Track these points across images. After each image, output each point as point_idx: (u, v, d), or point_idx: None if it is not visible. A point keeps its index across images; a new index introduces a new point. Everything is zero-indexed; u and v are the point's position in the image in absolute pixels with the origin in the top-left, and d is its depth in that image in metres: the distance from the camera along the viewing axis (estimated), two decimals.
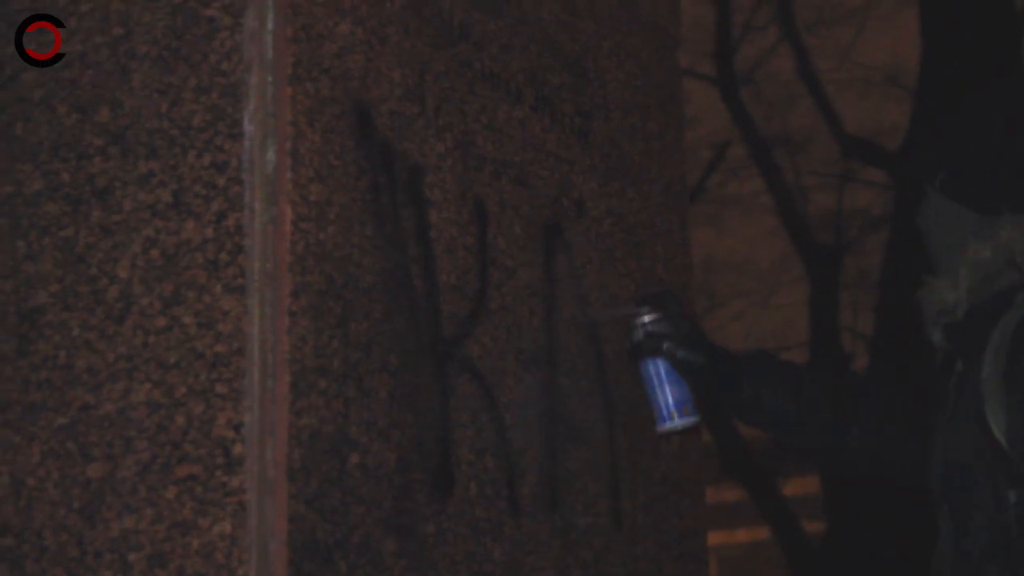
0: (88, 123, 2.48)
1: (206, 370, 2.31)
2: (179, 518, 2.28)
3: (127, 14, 2.49)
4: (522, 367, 2.80)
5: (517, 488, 2.73)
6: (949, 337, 2.00)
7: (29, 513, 2.37)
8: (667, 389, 2.25)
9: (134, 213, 2.42)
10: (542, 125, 2.99)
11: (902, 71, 10.88)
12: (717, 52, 11.00)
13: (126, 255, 2.40)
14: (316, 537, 2.29)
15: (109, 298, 2.40)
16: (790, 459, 13.27)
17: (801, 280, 11.04)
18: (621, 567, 2.97)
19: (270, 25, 2.40)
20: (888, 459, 2.22)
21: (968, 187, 1.99)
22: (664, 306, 2.28)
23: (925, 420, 2.11)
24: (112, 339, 2.38)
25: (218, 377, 2.31)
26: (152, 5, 2.47)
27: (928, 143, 2.10)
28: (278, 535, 2.24)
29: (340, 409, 2.37)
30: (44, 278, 2.45)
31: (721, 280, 12.94)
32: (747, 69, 11.61)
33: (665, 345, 2.24)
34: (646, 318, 2.26)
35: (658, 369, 2.26)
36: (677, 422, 2.25)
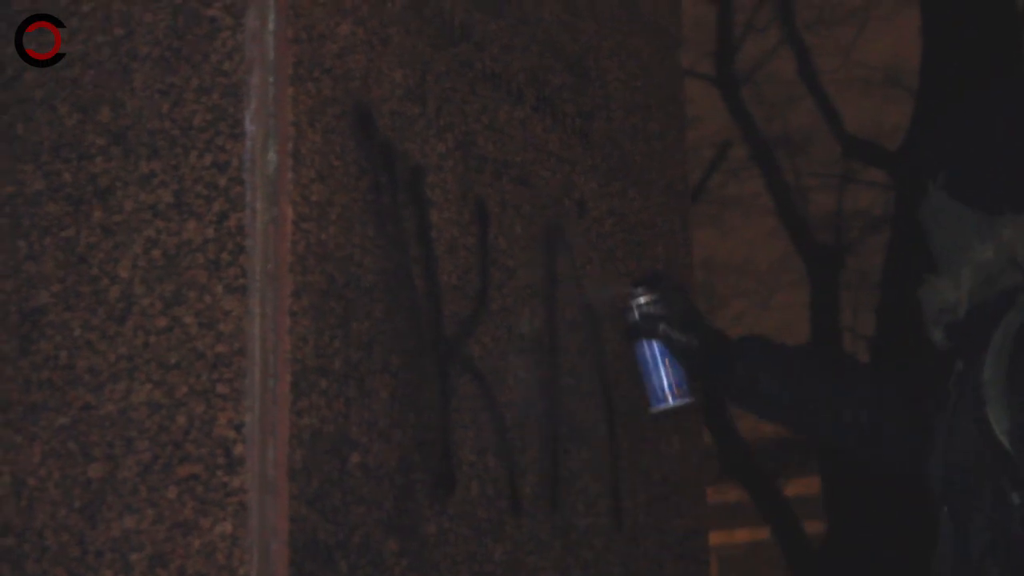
0: (89, 123, 2.48)
1: (207, 370, 2.32)
2: (180, 518, 2.28)
3: (128, 14, 2.49)
4: (523, 367, 2.80)
5: (518, 488, 2.73)
6: (950, 336, 2.00)
7: (30, 513, 2.37)
8: (662, 370, 2.25)
9: (135, 213, 2.42)
10: (543, 125, 2.99)
11: (903, 71, 10.89)
12: (718, 52, 11.01)
13: (127, 255, 2.41)
14: (317, 537, 2.29)
15: (110, 298, 2.40)
16: (791, 460, 13.28)
17: (801, 281, 11.04)
18: (622, 567, 2.98)
19: (271, 25, 2.40)
20: (886, 443, 2.22)
21: (969, 187, 1.98)
22: (660, 287, 2.28)
23: (923, 410, 2.11)
24: (113, 339, 2.38)
25: (219, 377, 2.31)
26: (153, 5, 2.47)
27: (929, 143, 2.10)
28: (279, 535, 2.24)
29: (341, 409, 2.37)
30: (45, 278, 2.45)
31: (721, 281, 12.95)
32: (748, 69, 11.62)
33: (660, 327, 2.24)
34: (642, 299, 2.26)
35: (653, 350, 2.25)
36: (671, 403, 2.24)
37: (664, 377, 2.25)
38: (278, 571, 2.23)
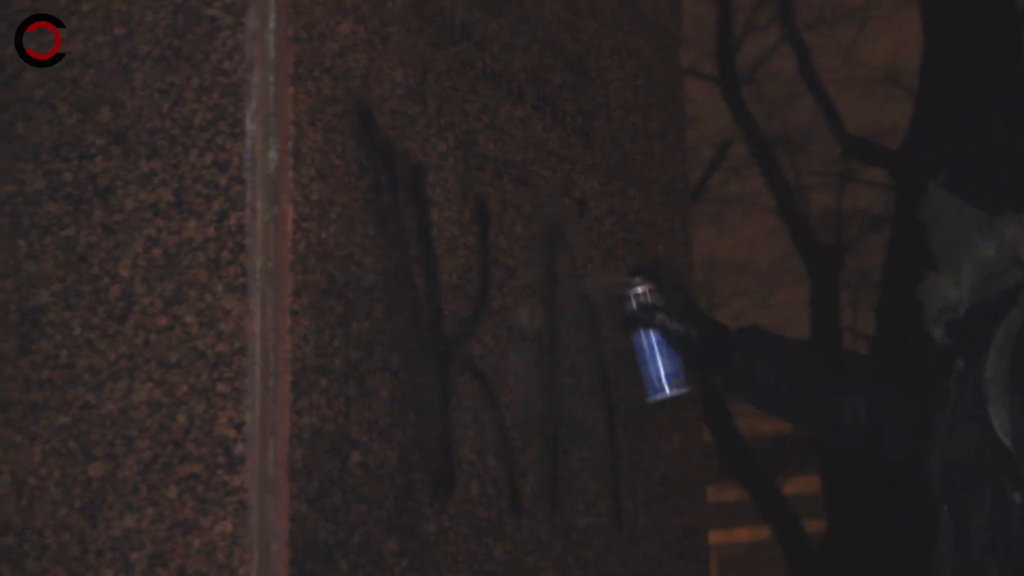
0: (90, 122, 2.48)
1: (207, 369, 2.32)
2: (180, 517, 2.28)
3: (129, 13, 2.49)
4: (523, 366, 2.80)
5: (518, 488, 2.73)
6: (950, 334, 2.00)
7: (30, 512, 2.37)
8: (659, 360, 2.25)
9: (136, 212, 2.42)
10: (544, 124, 2.99)
11: (903, 71, 10.90)
12: (719, 51, 11.01)
13: (128, 254, 2.41)
14: (317, 536, 2.29)
15: (111, 297, 2.40)
16: (790, 458, 13.28)
17: (801, 280, 11.05)
18: (622, 566, 2.98)
19: (272, 24, 2.40)
20: (886, 440, 2.22)
21: (970, 185, 1.98)
22: (658, 277, 2.28)
23: (923, 407, 2.11)
24: (114, 338, 2.38)
25: (219, 376, 2.31)
26: (154, 4, 2.47)
27: (929, 142, 2.10)
28: (279, 534, 2.24)
29: (341, 408, 2.37)
30: (46, 277, 2.45)
31: (722, 279, 12.96)
32: (748, 68, 11.63)
33: (658, 317, 2.24)
34: (639, 289, 2.26)
35: (650, 340, 2.25)
36: (668, 393, 2.25)
37: (661, 367, 2.25)
38: (278, 570, 2.23)
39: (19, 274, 2.47)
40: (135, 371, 2.36)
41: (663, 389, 2.25)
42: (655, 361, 2.25)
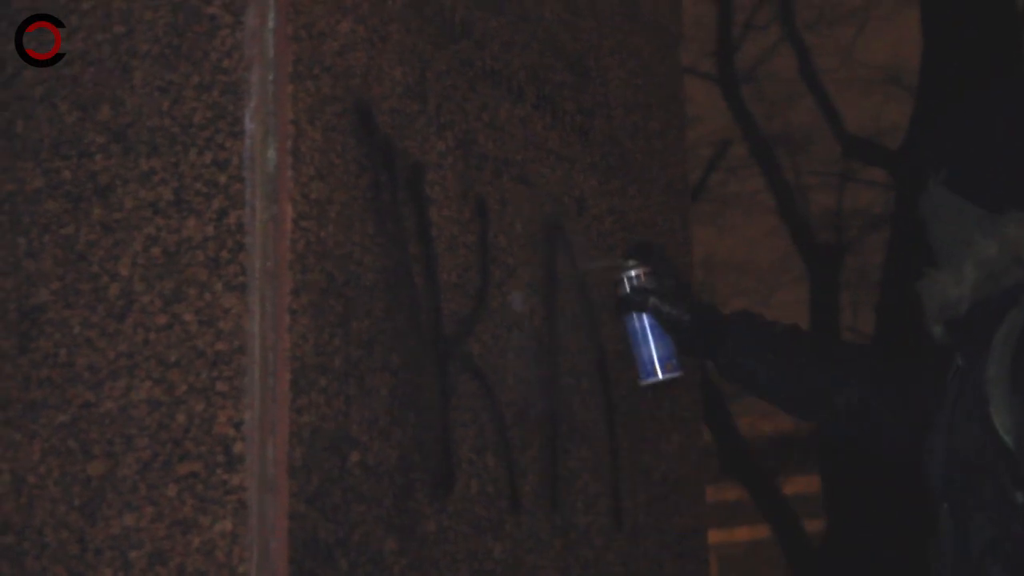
0: (89, 121, 2.48)
1: (207, 368, 2.31)
2: (180, 516, 2.28)
3: (128, 12, 2.49)
4: (523, 365, 2.80)
5: (518, 487, 2.73)
6: (950, 332, 2.00)
7: (30, 511, 2.37)
8: (652, 344, 2.25)
9: (135, 211, 2.41)
10: (543, 123, 2.99)
11: (903, 70, 10.89)
12: (718, 51, 11.01)
13: (127, 253, 2.40)
14: (317, 535, 2.29)
15: (110, 296, 2.40)
16: (790, 458, 13.28)
17: (801, 279, 11.05)
18: (621, 566, 2.97)
19: (271, 23, 2.40)
20: (878, 427, 2.21)
21: (970, 183, 1.98)
22: (651, 260, 2.28)
23: (920, 399, 2.10)
24: (113, 337, 2.38)
25: (219, 375, 2.31)
26: (153, 3, 2.47)
27: (929, 142, 2.10)
28: (279, 533, 2.24)
29: (341, 407, 2.37)
30: (45, 276, 2.45)
31: (722, 279, 12.96)
32: (748, 68, 11.63)
33: (651, 300, 2.24)
34: (633, 272, 2.26)
35: (643, 323, 2.26)
36: (660, 376, 2.25)
37: (654, 350, 2.25)
38: (278, 569, 2.23)
39: (18, 272, 2.47)
40: (134, 369, 2.35)
41: (655, 373, 2.25)
42: (647, 344, 2.25)
